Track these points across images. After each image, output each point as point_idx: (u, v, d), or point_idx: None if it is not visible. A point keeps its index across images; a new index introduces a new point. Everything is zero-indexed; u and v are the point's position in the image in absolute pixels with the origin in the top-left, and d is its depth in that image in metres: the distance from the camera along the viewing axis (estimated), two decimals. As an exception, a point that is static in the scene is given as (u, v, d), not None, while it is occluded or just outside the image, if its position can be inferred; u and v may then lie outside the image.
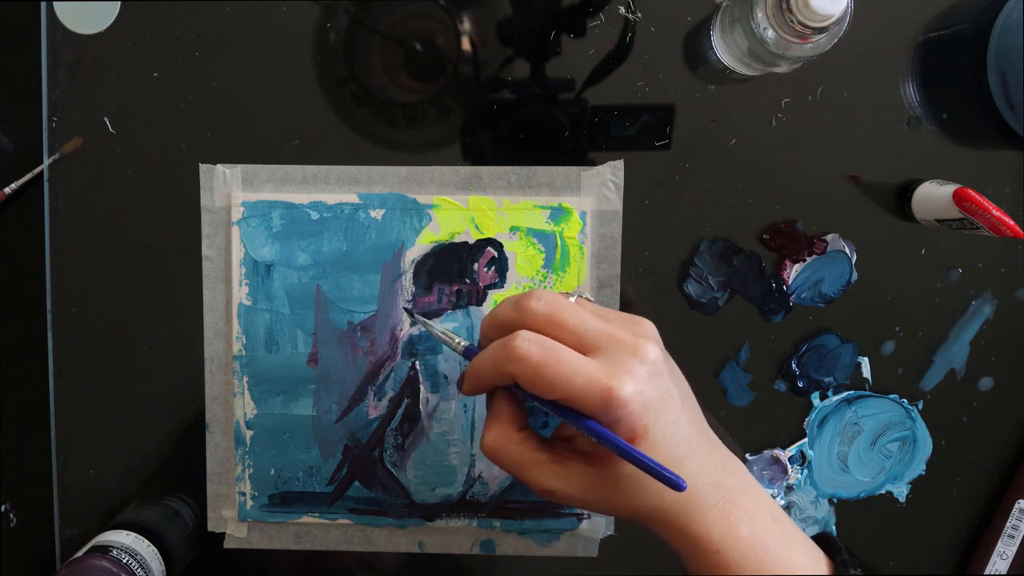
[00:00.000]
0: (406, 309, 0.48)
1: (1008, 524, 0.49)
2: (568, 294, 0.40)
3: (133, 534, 0.46)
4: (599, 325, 0.36)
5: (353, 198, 0.48)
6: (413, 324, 0.48)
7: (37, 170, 0.49)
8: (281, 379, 0.49)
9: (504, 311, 0.38)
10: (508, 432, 0.38)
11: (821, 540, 0.40)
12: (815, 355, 0.49)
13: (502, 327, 0.37)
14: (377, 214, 0.48)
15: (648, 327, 0.38)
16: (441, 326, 0.44)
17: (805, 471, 0.50)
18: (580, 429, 0.35)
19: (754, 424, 0.50)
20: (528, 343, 0.35)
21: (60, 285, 0.50)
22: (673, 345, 0.49)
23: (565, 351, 0.35)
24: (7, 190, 0.48)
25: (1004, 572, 0.49)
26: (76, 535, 0.50)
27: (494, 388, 0.39)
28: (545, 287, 0.48)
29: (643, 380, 0.35)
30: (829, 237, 0.48)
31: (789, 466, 0.50)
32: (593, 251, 0.48)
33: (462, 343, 0.42)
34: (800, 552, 0.37)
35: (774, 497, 0.50)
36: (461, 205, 0.48)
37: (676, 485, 0.34)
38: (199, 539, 0.50)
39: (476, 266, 0.48)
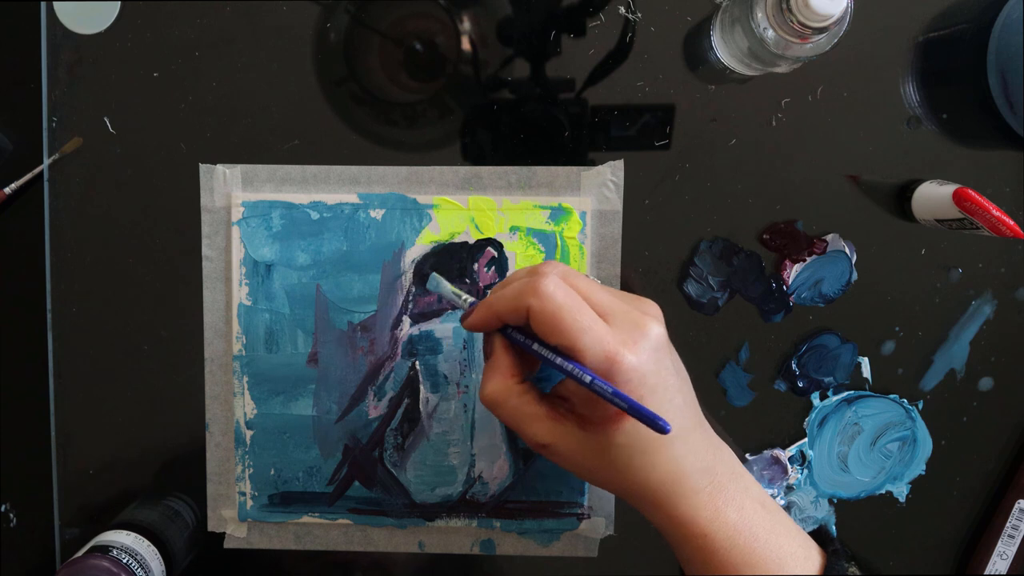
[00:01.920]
0: (424, 273, 0.47)
1: (1008, 524, 0.49)
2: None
3: (133, 534, 0.46)
4: (609, 296, 0.37)
5: (353, 198, 0.48)
6: (424, 286, 0.47)
7: (37, 170, 0.49)
8: (281, 379, 0.49)
9: (518, 275, 0.39)
10: (509, 382, 0.38)
11: (814, 533, 0.40)
12: (815, 355, 0.49)
13: (516, 293, 0.38)
14: (377, 214, 0.48)
15: (654, 307, 0.39)
16: (452, 286, 0.44)
17: (805, 471, 0.50)
18: (573, 374, 0.36)
19: (754, 424, 0.50)
20: (555, 285, 0.36)
21: (60, 285, 0.50)
22: (673, 345, 0.49)
23: (585, 305, 0.36)
24: (7, 190, 0.48)
25: (1004, 572, 0.49)
26: (76, 535, 0.50)
27: (494, 338, 0.40)
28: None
29: (645, 353, 0.36)
30: (829, 237, 0.48)
31: (789, 466, 0.50)
32: (593, 251, 0.48)
33: (469, 298, 0.42)
34: (790, 540, 0.37)
35: (774, 497, 0.50)
36: (461, 205, 0.48)
37: (660, 428, 0.34)
38: (199, 539, 0.50)
39: (476, 266, 0.48)
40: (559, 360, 0.36)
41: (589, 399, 0.36)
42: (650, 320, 0.37)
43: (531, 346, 0.38)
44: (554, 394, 0.39)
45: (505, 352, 0.39)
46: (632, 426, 0.36)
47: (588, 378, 0.35)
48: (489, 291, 0.48)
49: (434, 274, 0.44)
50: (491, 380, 0.39)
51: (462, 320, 0.41)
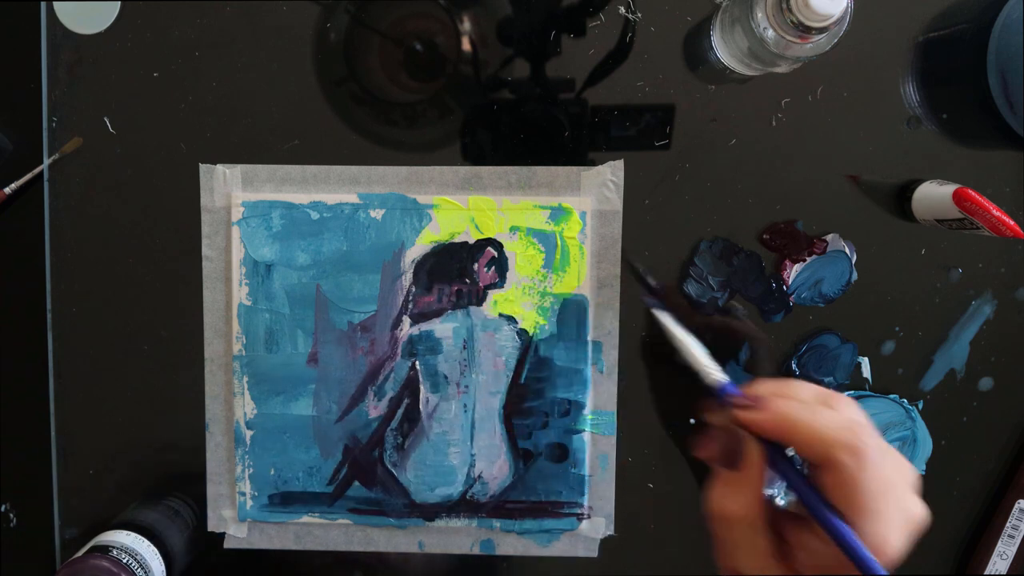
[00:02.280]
0: (651, 301, 0.40)
1: (1008, 524, 0.49)
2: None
3: (133, 534, 0.46)
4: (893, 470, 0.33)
5: (353, 198, 0.48)
6: (653, 310, 0.40)
7: (37, 170, 0.49)
8: (281, 379, 0.49)
9: (820, 394, 0.34)
10: (754, 507, 0.33)
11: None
12: (815, 355, 0.49)
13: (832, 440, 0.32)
14: (377, 214, 0.48)
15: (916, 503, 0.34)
16: (700, 348, 0.37)
17: (805, 471, 0.50)
18: (856, 554, 0.31)
19: (754, 424, 0.50)
20: (880, 458, 0.31)
21: (60, 285, 0.50)
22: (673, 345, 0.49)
23: (893, 495, 0.32)
24: (7, 190, 0.48)
25: (1004, 572, 0.49)
26: (76, 535, 0.50)
27: (751, 448, 0.35)
28: (545, 287, 0.48)
29: (901, 549, 0.32)
30: (829, 237, 0.48)
31: (789, 466, 0.50)
32: (593, 251, 0.48)
33: (719, 375, 0.36)
34: None
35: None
36: (461, 205, 0.48)
37: None
38: (199, 539, 0.50)
39: (476, 266, 0.48)
40: (838, 522, 0.31)
41: (824, 567, 0.32)
42: (917, 516, 0.32)
43: (810, 496, 0.32)
44: (777, 529, 0.34)
45: (761, 471, 0.34)
46: None
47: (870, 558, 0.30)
48: (487, 306, 0.46)
49: (674, 327, 0.37)
50: (735, 496, 0.34)
51: (737, 411, 0.34)
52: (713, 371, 0.36)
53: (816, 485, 0.33)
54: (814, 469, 0.33)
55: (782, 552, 0.33)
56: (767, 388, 0.35)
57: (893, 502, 0.31)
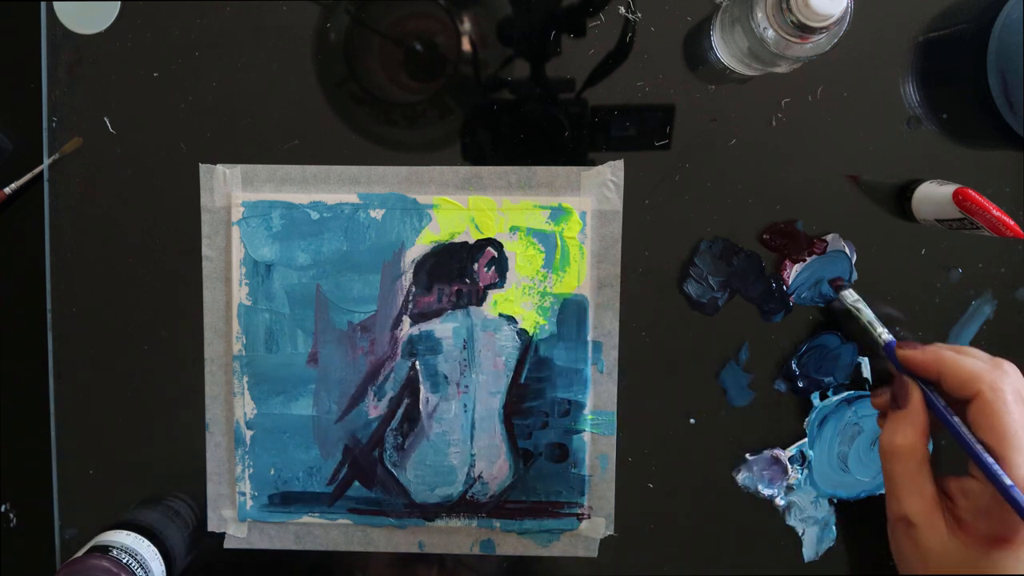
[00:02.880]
0: (837, 285, 0.46)
1: (1008, 524, 0.49)
2: None
3: (133, 534, 0.46)
4: None
5: (353, 198, 0.48)
6: (842, 294, 0.46)
7: (37, 170, 0.49)
8: (281, 379, 0.49)
9: (978, 353, 0.39)
10: (919, 442, 0.38)
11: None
12: (815, 355, 0.49)
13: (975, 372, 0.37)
14: (377, 214, 0.48)
15: None
16: (869, 312, 0.44)
17: (805, 471, 0.50)
18: (995, 476, 0.35)
19: (754, 424, 0.50)
20: (1017, 393, 0.36)
21: (60, 285, 0.50)
22: (673, 345, 0.49)
23: None
24: (7, 190, 0.48)
25: None
26: (76, 535, 0.50)
27: (912, 390, 0.39)
28: (545, 287, 0.48)
29: None
30: (829, 237, 0.48)
31: (789, 466, 0.50)
32: (593, 251, 0.48)
33: (886, 334, 0.43)
34: None
35: (773, 497, 0.50)
36: (461, 205, 0.48)
37: None
38: (199, 539, 0.50)
39: (476, 266, 0.48)
40: (984, 454, 0.35)
41: (981, 509, 0.36)
42: None
43: (957, 426, 0.37)
44: (940, 485, 0.38)
45: (923, 411, 0.38)
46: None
47: (1009, 484, 0.34)
48: (487, 306, 0.48)
49: (851, 290, 0.45)
50: (904, 431, 0.38)
51: (895, 347, 0.40)
52: (883, 332, 0.43)
53: (965, 422, 0.37)
54: (963, 406, 0.37)
55: (946, 504, 0.37)
56: (935, 344, 0.40)
57: None
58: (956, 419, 0.37)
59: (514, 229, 0.48)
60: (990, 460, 0.35)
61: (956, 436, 0.37)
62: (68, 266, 0.49)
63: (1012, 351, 0.49)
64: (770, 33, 0.40)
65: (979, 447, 0.36)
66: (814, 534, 0.50)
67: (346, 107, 0.48)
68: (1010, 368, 0.37)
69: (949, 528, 0.36)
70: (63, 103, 0.49)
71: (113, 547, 0.44)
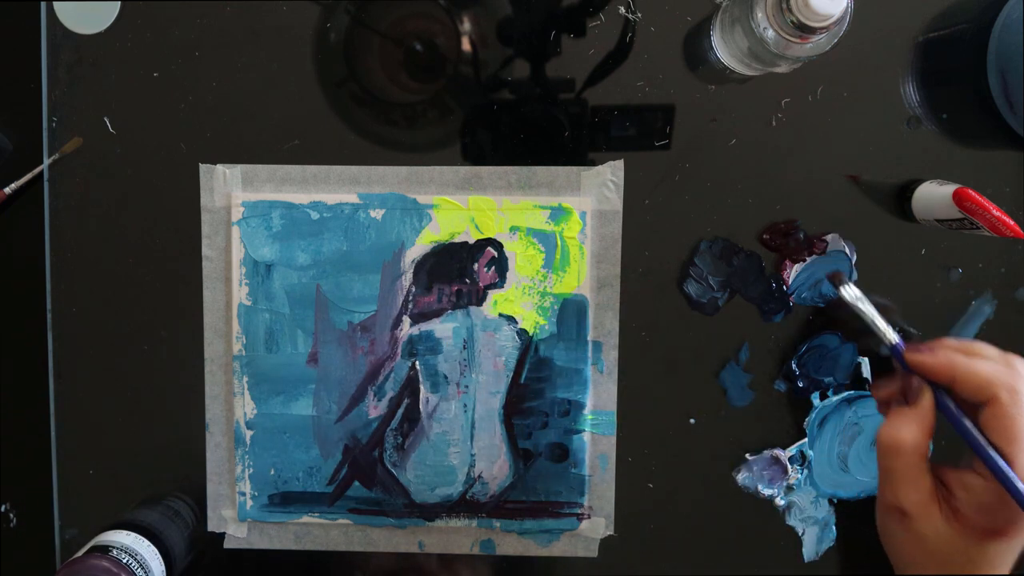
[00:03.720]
0: (837, 280, 0.43)
1: (1008, 524, 0.49)
2: None
3: (133, 534, 0.46)
4: None
5: (353, 198, 0.48)
6: (838, 296, 0.43)
7: (37, 170, 0.49)
8: (281, 379, 0.49)
9: (989, 351, 0.38)
10: (921, 438, 0.37)
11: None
12: (815, 355, 0.49)
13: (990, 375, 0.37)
14: (377, 214, 0.48)
15: None
16: (872, 311, 0.42)
17: (805, 471, 0.50)
18: (1003, 475, 0.35)
19: (754, 424, 0.50)
20: None
21: (60, 285, 0.50)
22: (673, 345, 0.49)
23: None
24: (7, 190, 0.48)
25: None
26: (76, 535, 0.50)
27: (924, 392, 0.38)
28: (545, 287, 0.48)
29: None
30: (829, 237, 0.48)
31: (789, 466, 0.50)
32: (593, 251, 0.48)
33: (894, 336, 0.41)
34: None
35: (773, 497, 0.50)
36: (461, 205, 0.48)
37: None
38: (199, 539, 0.50)
39: (476, 266, 0.48)
40: (997, 458, 0.35)
41: (983, 504, 0.36)
42: None
43: (970, 430, 0.36)
44: (937, 475, 0.38)
45: (932, 411, 0.38)
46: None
47: (1017, 484, 0.34)
48: (487, 306, 0.47)
49: (852, 285, 0.42)
50: (907, 426, 0.37)
51: (904, 352, 0.39)
52: (890, 334, 0.41)
53: (976, 424, 0.36)
54: (975, 409, 0.37)
55: (942, 493, 0.37)
56: (943, 343, 0.39)
57: None
58: (968, 423, 0.37)
59: (514, 229, 0.48)
60: (1004, 465, 0.35)
61: (966, 437, 0.37)
62: (68, 266, 0.49)
63: (1012, 351, 0.49)
64: (770, 33, 0.40)
65: (991, 451, 0.35)
66: (814, 534, 0.50)
67: (346, 107, 0.48)
68: (1022, 366, 0.37)
69: (945, 518, 0.36)
70: (63, 103, 0.49)
71: (113, 547, 0.44)
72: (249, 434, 0.49)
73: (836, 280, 0.43)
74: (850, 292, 0.42)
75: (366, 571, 0.51)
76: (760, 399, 0.49)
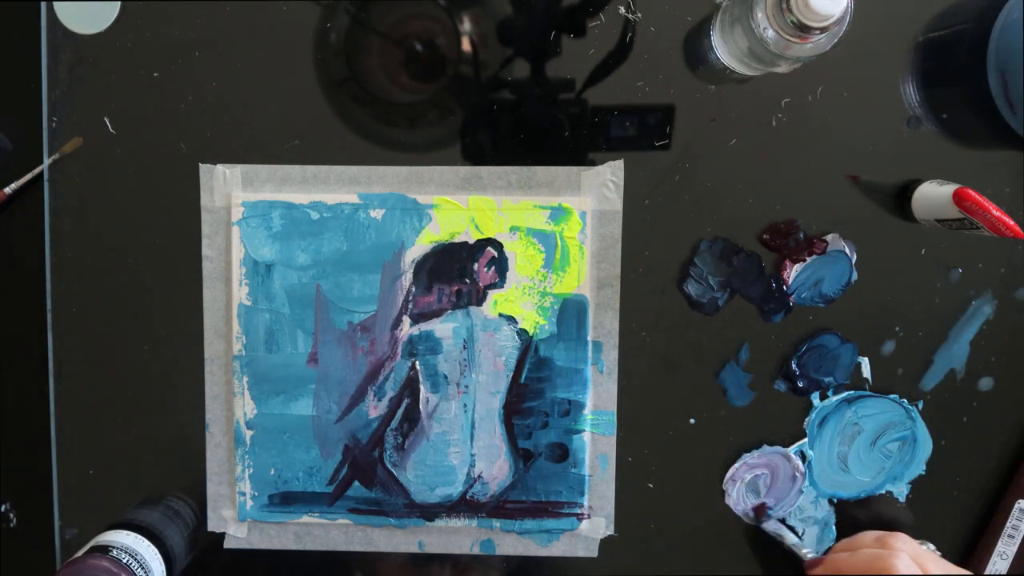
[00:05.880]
0: (761, 512, 0.50)
1: (1008, 524, 0.49)
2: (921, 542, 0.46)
3: (133, 534, 0.46)
4: None
5: (353, 198, 0.48)
6: (764, 524, 0.50)
7: (37, 170, 0.49)
8: (281, 379, 0.49)
9: (865, 540, 0.44)
10: None
11: None
12: (815, 355, 0.49)
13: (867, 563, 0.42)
14: (377, 214, 0.48)
15: None
16: (791, 536, 0.49)
17: (805, 471, 0.50)
18: None
19: (754, 424, 0.50)
20: (907, 567, 0.40)
21: (60, 285, 0.50)
22: (673, 345, 0.49)
23: None
24: (7, 190, 0.48)
25: (1004, 572, 0.49)
26: (76, 535, 0.50)
27: None
28: (545, 287, 0.48)
29: None
30: (829, 237, 0.48)
31: (800, 462, 0.50)
32: (593, 251, 0.48)
33: (809, 551, 0.47)
34: None
35: (799, 548, 0.50)
36: (461, 205, 0.48)
37: None
38: (199, 539, 0.50)
39: (476, 266, 0.48)
40: None
41: None
42: None
43: None
44: None
45: None
46: None
47: None
48: (830, 550, 0.49)
49: (775, 520, 0.49)
50: None
51: (807, 569, 0.46)
52: (804, 549, 0.48)
53: None
54: None
55: None
56: (840, 546, 0.46)
57: None
58: None
59: (514, 229, 0.48)
60: None
61: None
62: (68, 266, 0.49)
63: (1012, 351, 0.49)
64: (770, 33, 0.40)
65: None
66: (814, 534, 0.50)
67: (346, 107, 0.49)
68: (899, 542, 0.42)
69: None
70: (63, 103, 0.49)
71: (113, 547, 0.44)
72: (249, 434, 0.49)
73: (759, 513, 0.50)
74: (770, 526, 0.49)
75: (366, 571, 0.51)
76: (760, 399, 0.49)
